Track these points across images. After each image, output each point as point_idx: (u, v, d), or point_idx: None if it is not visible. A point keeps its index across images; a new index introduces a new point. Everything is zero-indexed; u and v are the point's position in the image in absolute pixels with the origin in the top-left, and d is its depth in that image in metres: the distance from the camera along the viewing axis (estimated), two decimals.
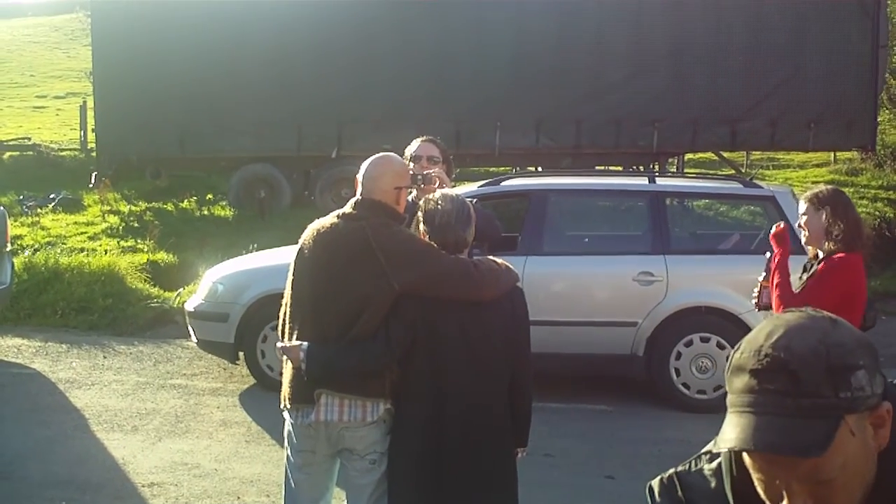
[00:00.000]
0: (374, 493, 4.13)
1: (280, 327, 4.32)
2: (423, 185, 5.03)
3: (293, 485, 4.28)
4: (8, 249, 10.44)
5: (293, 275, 4.26)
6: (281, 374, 4.40)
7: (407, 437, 4.04)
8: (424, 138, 5.60)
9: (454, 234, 4.01)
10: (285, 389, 4.21)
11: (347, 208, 4.19)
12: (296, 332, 4.15)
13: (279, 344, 4.21)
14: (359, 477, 4.13)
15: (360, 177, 4.26)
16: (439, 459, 3.96)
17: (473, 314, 3.96)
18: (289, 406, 4.18)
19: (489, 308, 3.98)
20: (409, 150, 5.54)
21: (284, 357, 4.16)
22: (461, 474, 3.96)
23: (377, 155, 4.34)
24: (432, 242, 4.04)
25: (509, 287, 4.06)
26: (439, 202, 4.07)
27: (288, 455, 4.29)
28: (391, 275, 3.96)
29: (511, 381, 4.05)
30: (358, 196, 4.21)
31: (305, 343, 4.03)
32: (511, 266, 4.14)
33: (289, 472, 4.30)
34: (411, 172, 4.80)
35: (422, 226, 4.09)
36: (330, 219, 4.22)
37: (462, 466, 3.96)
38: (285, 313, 4.28)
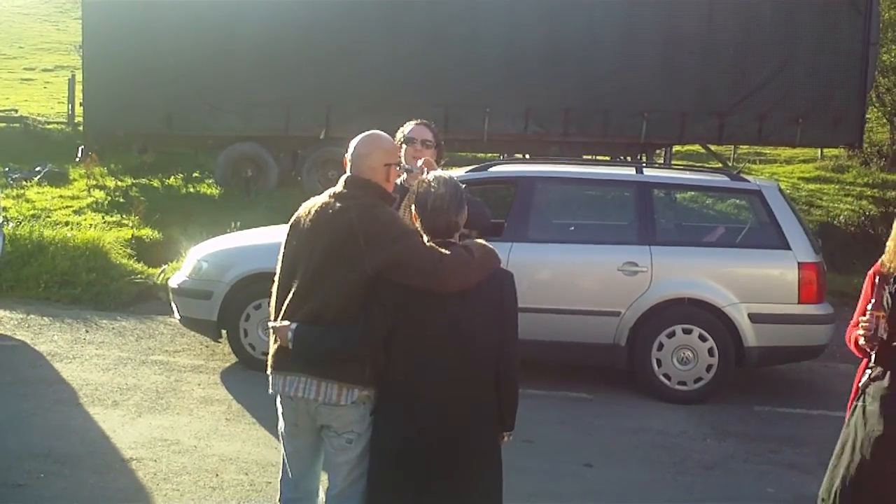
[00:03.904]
0: (350, 473, 4.18)
1: (271, 305, 4.33)
2: (405, 179, 5.11)
3: (285, 455, 4.43)
4: (0, 222, 10.43)
5: (283, 254, 4.30)
6: (265, 353, 4.45)
7: (387, 422, 4.04)
8: (418, 121, 5.63)
9: (446, 218, 4.01)
10: (271, 356, 4.26)
11: (339, 187, 4.22)
12: (283, 312, 4.19)
13: (271, 323, 4.22)
14: (335, 454, 4.20)
15: (348, 156, 4.28)
16: (419, 443, 3.96)
17: (458, 298, 3.93)
18: (272, 373, 4.25)
19: (475, 293, 3.95)
20: (403, 131, 5.57)
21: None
22: (442, 460, 3.96)
23: (365, 133, 4.35)
24: (423, 226, 4.05)
25: (481, 278, 3.99)
26: (433, 185, 4.04)
27: (279, 425, 4.39)
28: (367, 257, 3.98)
29: (497, 367, 4.03)
30: (347, 174, 4.24)
31: (294, 324, 4.06)
32: (492, 252, 4.08)
33: (282, 441, 4.42)
34: (403, 164, 4.91)
35: (413, 208, 4.08)
36: (322, 198, 4.24)
37: (442, 452, 3.96)
38: (275, 291, 4.32)
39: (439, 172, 4.36)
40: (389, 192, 4.28)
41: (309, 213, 4.23)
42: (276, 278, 4.32)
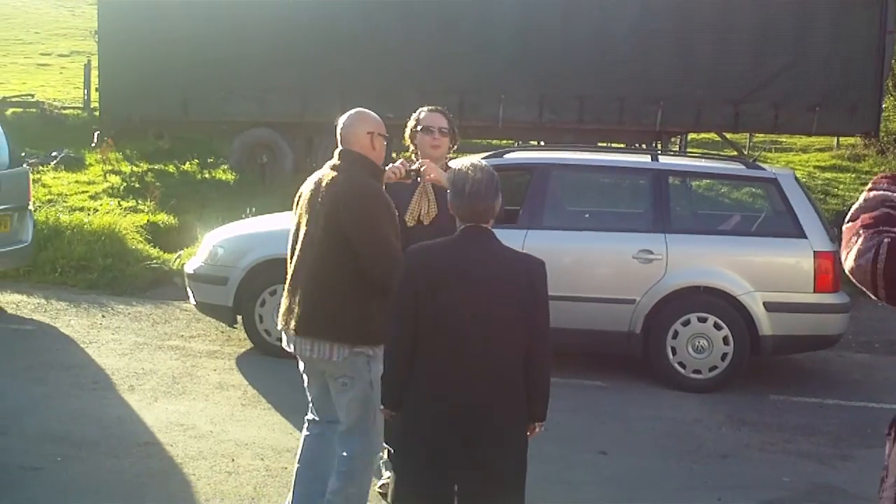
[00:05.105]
0: (352, 411, 4.82)
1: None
2: (418, 179, 5.23)
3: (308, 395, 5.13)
4: (30, 208, 10.45)
5: (293, 226, 4.89)
6: (280, 339, 5.01)
7: (414, 408, 4.04)
8: (432, 108, 5.62)
9: (484, 203, 3.99)
10: (281, 314, 4.93)
11: (334, 159, 4.76)
12: (288, 278, 4.87)
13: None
14: (337, 396, 4.87)
15: (338, 133, 4.79)
16: (447, 431, 3.96)
17: (485, 286, 3.93)
18: (283, 330, 4.94)
19: (503, 280, 3.95)
20: (417, 118, 5.56)
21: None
22: (468, 446, 3.96)
23: (351, 110, 4.85)
24: (459, 211, 4.04)
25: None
26: (470, 170, 4.03)
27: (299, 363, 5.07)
28: (343, 218, 4.59)
29: (527, 355, 4.02)
30: (339, 148, 4.76)
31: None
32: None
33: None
34: (407, 169, 5.30)
35: (450, 194, 4.08)
36: (324, 170, 4.78)
37: (469, 439, 3.95)
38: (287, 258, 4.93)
39: (474, 158, 4.39)
40: (375, 163, 4.76)
41: (311, 185, 4.80)
42: (289, 247, 4.89)
